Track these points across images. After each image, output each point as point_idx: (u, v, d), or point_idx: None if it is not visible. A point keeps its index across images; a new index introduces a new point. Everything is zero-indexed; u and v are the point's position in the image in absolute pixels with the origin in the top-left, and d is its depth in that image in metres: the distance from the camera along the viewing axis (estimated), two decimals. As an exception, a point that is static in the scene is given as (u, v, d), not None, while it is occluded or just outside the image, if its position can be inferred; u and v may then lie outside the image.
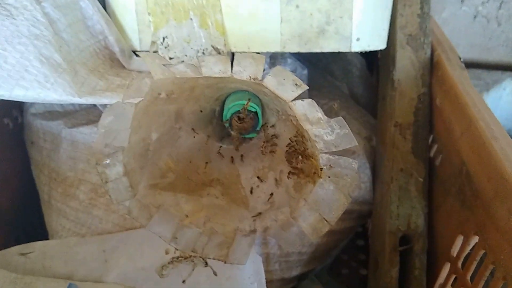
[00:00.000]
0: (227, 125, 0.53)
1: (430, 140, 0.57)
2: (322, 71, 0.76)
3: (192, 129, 0.54)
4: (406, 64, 0.59)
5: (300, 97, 0.40)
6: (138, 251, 0.51)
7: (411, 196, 0.55)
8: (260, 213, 0.50)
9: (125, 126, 0.42)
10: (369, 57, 0.83)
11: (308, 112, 0.40)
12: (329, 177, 0.43)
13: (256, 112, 0.52)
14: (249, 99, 0.50)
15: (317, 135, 0.41)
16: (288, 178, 0.50)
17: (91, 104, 0.58)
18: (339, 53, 0.68)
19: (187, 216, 0.48)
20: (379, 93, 0.66)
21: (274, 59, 0.65)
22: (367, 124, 0.67)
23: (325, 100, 0.68)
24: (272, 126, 0.53)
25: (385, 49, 0.58)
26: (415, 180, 0.56)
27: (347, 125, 0.40)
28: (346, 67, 0.79)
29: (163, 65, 0.41)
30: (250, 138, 0.56)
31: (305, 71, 0.67)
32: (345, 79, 0.78)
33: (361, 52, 0.56)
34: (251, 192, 0.53)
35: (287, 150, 0.51)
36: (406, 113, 0.58)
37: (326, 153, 0.42)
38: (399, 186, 0.56)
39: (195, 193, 0.50)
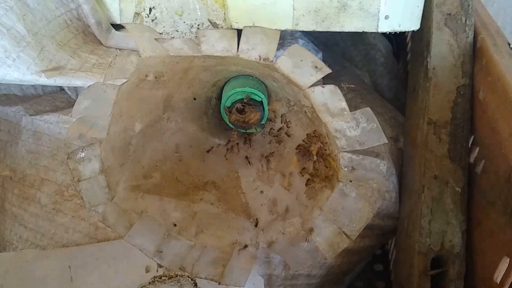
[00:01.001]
0: (226, 117, 0.54)
1: (470, 142, 0.57)
2: (340, 57, 0.77)
3: (183, 120, 0.54)
4: (443, 49, 0.58)
5: (318, 83, 0.41)
6: (112, 268, 0.50)
7: (446, 209, 0.55)
8: (263, 225, 0.51)
9: (104, 113, 0.42)
10: (396, 40, 0.83)
11: (329, 101, 0.40)
12: (350, 181, 0.44)
13: (261, 102, 0.52)
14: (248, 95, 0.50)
15: (339, 129, 0.41)
16: (299, 181, 0.51)
17: (57, 88, 0.59)
18: (361, 34, 0.69)
19: (175, 225, 0.48)
20: (409, 84, 0.66)
21: (282, 39, 0.65)
22: (394, 121, 0.67)
23: (342, 91, 0.67)
24: (281, 119, 0.54)
25: (418, 30, 0.57)
26: (451, 189, 0.56)
27: (375, 118, 0.41)
28: (368, 52, 0.79)
29: (155, 39, 0.41)
30: (254, 134, 0.56)
31: (320, 55, 0.67)
32: (367, 67, 0.78)
33: (388, 35, 0.56)
34: (254, 198, 0.54)
35: (299, 148, 0.52)
36: (442, 108, 0.58)
37: (348, 152, 0.43)
38: (432, 197, 0.56)
39: (186, 198, 0.50)
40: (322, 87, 0.40)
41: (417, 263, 0.55)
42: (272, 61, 0.40)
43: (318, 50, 0.68)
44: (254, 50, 0.40)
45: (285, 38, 0.66)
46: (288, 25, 0.52)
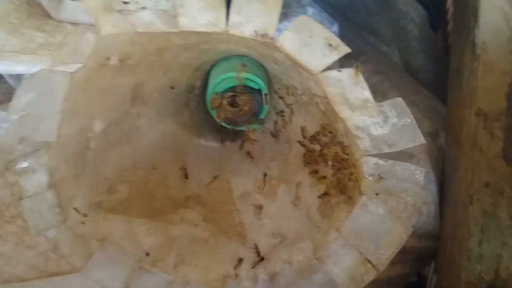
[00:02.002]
0: (213, 110, 0.53)
1: None
2: (361, 29, 0.76)
3: (158, 116, 0.54)
4: (495, 18, 0.59)
5: (334, 66, 0.40)
6: (67, 310, 0.51)
7: (502, 225, 0.55)
8: (264, 252, 0.50)
9: (52, 109, 0.42)
10: (434, 6, 0.82)
11: (348, 89, 0.40)
12: (377, 194, 0.44)
13: (259, 91, 0.52)
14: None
15: (361, 126, 0.41)
16: (310, 194, 0.51)
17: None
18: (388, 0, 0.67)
19: (148, 254, 0.48)
20: (451, 64, 0.66)
21: (285, 7, 0.64)
22: (432, 112, 0.67)
23: (365, 75, 0.63)
24: (286, 113, 0.53)
25: (462, -6, 0.57)
26: (508, 201, 0.55)
27: (409, 111, 0.40)
28: (398, 23, 0.79)
29: (117, 11, 0.41)
30: (250, 132, 0.56)
31: (335, 28, 0.66)
32: (397, 42, 0.77)
33: (422, 1, 0.55)
34: (251, 216, 0.53)
35: (308, 151, 0.51)
36: (494, 95, 0.58)
37: (373, 155, 0.42)
38: (483, 211, 0.55)
39: (162, 218, 0.51)
40: (339, 71, 0.40)
41: (465, 296, 0.55)
42: (272, 38, 0.40)
43: (333, 21, 0.67)
44: (248, 23, 0.40)
45: (291, 6, 0.65)
46: (292, -13, 0.52)
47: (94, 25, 0.43)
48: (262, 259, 0.50)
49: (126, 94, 0.50)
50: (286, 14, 0.63)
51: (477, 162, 0.57)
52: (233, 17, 0.40)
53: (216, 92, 0.52)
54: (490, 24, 0.59)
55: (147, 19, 0.41)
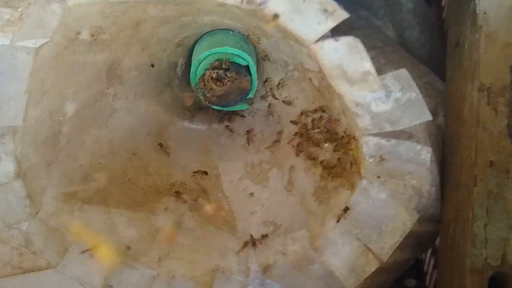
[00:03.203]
0: (198, 90, 0.50)
1: None
2: (353, 3, 0.73)
3: (137, 96, 0.52)
4: None
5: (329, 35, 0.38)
6: (41, 309, 0.50)
7: (508, 207, 0.53)
8: (256, 241, 0.48)
9: (16, 90, 0.41)
10: None
11: (346, 61, 0.38)
12: (379, 177, 0.42)
13: (247, 68, 0.49)
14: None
15: (360, 103, 0.39)
16: (305, 179, 0.49)
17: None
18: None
19: (129, 248, 0.47)
20: (450, 36, 0.64)
21: None
22: (430, 88, 0.64)
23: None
24: (276, 90, 0.51)
25: (460, -41, 0.56)
26: None
27: (414, 84, 0.39)
28: None
29: None
30: (238, 113, 0.54)
31: None
32: (391, 15, 0.75)
33: None
34: (241, 203, 0.51)
35: (302, 132, 0.50)
36: (498, 68, 0.55)
37: (374, 135, 0.41)
38: (488, 192, 0.53)
39: (143, 209, 0.49)
40: (336, 40, 0.37)
41: (469, 283, 0.53)
42: (260, 4, 0.37)
43: None
44: None
45: None
46: None
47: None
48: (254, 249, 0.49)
49: (100, 72, 0.48)
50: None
51: (481, 141, 0.55)
52: None
53: (201, 71, 0.50)
54: None
55: None
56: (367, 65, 0.37)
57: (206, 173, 0.54)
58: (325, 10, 0.36)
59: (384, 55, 0.64)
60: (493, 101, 0.55)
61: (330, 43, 0.37)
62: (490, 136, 0.54)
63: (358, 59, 0.37)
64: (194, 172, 0.53)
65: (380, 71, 0.64)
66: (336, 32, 0.43)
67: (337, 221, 0.44)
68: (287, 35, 0.39)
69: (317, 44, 0.37)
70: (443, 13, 0.76)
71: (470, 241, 0.52)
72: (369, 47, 0.64)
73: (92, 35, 0.44)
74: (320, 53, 0.38)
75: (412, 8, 0.76)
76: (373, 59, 0.63)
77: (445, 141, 0.61)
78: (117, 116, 0.51)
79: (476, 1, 0.56)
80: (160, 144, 0.53)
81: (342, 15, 0.36)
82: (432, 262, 0.70)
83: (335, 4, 0.36)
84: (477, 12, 0.56)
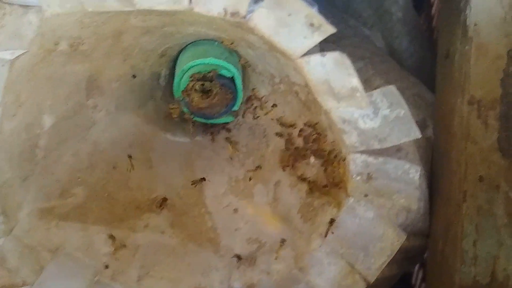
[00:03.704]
0: (182, 101, 0.50)
1: None
2: (342, 11, 0.74)
3: (118, 108, 0.51)
4: None
5: (315, 49, 0.37)
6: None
7: (498, 224, 0.53)
8: (240, 259, 0.48)
9: None
10: None
11: (332, 76, 0.37)
12: (366, 195, 0.41)
13: (232, 79, 0.49)
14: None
15: (348, 119, 0.39)
16: (291, 195, 0.48)
17: None
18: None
19: (107, 266, 0.46)
20: (440, 47, 0.63)
21: None
22: (418, 100, 0.64)
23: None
24: (262, 103, 0.51)
25: (450, -30, 0.56)
26: (504, 196, 0.53)
27: (403, 101, 0.38)
28: (381, 5, 0.76)
29: None
30: (223, 125, 0.54)
31: (315, 9, 0.61)
32: (380, 25, 0.75)
33: None
34: (225, 220, 0.51)
35: (287, 147, 0.49)
36: (488, 81, 0.55)
37: (362, 152, 0.40)
38: (478, 208, 0.53)
39: (123, 225, 0.49)
40: (322, 55, 0.37)
41: (458, 301, 0.54)
42: (244, 17, 0.37)
43: (312, 3, 0.62)
44: (215, 0, 0.37)
45: None
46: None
47: (37, 5, 0.39)
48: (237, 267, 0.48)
49: (80, 83, 0.48)
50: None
51: (470, 155, 0.54)
52: None
53: (185, 82, 0.50)
54: (483, 4, 0.56)
55: None
56: (355, 81, 0.37)
57: (204, 179, 0.53)
58: (311, 25, 0.36)
59: (373, 66, 0.64)
60: (484, 115, 0.54)
61: (316, 58, 0.37)
62: (480, 151, 0.54)
63: (345, 75, 0.37)
64: (192, 182, 0.53)
65: (368, 82, 0.65)
66: (325, 41, 0.42)
67: (325, 236, 0.43)
68: (273, 48, 0.39)
69: (303, 59, 0.37)
70: (433, 22, 0.76)
71: (459, 257, 0.52)
72: (357, 58, 0.65)
73: (71, 45, 0.44)
74: (306, 68, 0.37)
75: (401, 17, 0.76)
76: (361, 69, 0.65)
77: (435, 154, 0.61)
78: (97, 128, 0.50)
79: (466, 12, 0.56)
80: (130, 156, 0.52)
81: (328, 29, 0.36)
82: (420, 275, 0.70)
83: (322, 19, 0.36)
84: (467, 23, 0.56)
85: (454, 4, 0.59)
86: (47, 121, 0.46)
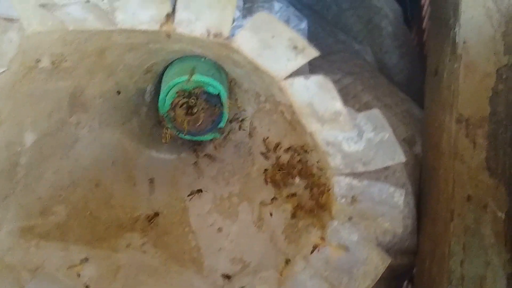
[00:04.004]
0: (167, 118, 0.50)
1: None
2: (332, 26, 0.73)
3: (102, 125, 0.51)
4: (478, 14, 0.56)
5: (301, 71, 0.37)
6: None
7: (486, 244, 0.53)
8: (223, 281, 0.48)
9: None
10: (410, 2, 0.80)
11: (316, 99, 0.36)
12: (350, 218, 0.41)
13: (218, 96, 0.49)
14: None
15: (332, 142, 0.38)
16: (275, 215, 0.48)
17: None
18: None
19: (87, 287, 0.45)
20: (429, 65, 0.63)
21: (250, 2, 0.61)
22: (407, 116, 0.64)
23: (336, 76, 0.65)
24: (247, 121, 0.51)
25: (441, -13, 0.56)
26: (491, 216, 0.53)
27: (387, 124, 0.37)
28: (371, 19, 0.76)
29: (40, 6, 0.37)
30: (209, 142, 0.54)
31: (304, 25, 0.63)
32: (370, 40, 0.75)
33: None
34: (209, 239, 0.50)
35: (272, 166, 0.49)
36: (477, 100, 0.55)
37: (346, 175, 0.40)
38: (465, 227, 0.53)
39: (104, 245, 0.48)
40: (306, 78, 0.36)
41: (445, 322, 0.53)
42: (228, 38, 0.37)
43: (301, 18, 0.64)
44: (198, 21, 0.36)
45: (255, 1, 0.62)
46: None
47: (17, 22, 0.39)
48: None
49: (62, 100, 0.47)
50: (250, 9, 0.60)
51: (458, 174, 0.54)
52: (181, 13, 0.37)
53: (170, 98, 0.50)
54: (472, 22, 0.57)
55: (77, 15, 0.37)
56: (338, 105, 0.36)
57: (200, 190, 0.53)
58: (295, 47, 0.35)
59: (362, 81, 0.64)
60: (472, 133, 0.55)
61: (300, 80, 0.36)
62: (468, 169, 0.54)
63: (328, 98, 0.36)
64: (189, 195, 0.53)
65: (357, 97, 0.65)
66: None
67: (311, 253, 0.43)
68: (257, 68, 0.38)
69: (287, 81, 0.37)
70: (424, 36, 0.77)
71: (446, 277, 0.52)
72: (346, 73, 0.65)
73: (53, 63, 0.43)
74: (290, 90, 0.37)
75: (391, 32, 0.76)
76: (350, 85, 0.65)
77: (423, 171, 0.61)
78: (80, 145, 0.49)
79: (456, 30, 0.56)
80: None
81: (312, 53, 0.35)
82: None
83: (305, 42, 0.35)
84: (457, 40, 0.56)
85: (443, 21, 0.59)
86: (29, 138, 0.45)
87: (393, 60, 0.76)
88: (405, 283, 0.70)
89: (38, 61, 0.42)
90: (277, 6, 0.61)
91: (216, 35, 0.36)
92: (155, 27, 0.37)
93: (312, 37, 0.65)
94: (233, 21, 0.37)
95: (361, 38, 0.75)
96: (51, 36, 0.40)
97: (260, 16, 0.35)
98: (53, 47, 0.42)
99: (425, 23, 0.76)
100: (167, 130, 0.50)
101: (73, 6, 0.36)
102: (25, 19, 0.38)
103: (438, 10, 0.62)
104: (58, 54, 0.43)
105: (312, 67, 0.58)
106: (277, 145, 0.48)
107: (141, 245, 0.49)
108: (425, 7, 0.75)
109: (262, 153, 0.50)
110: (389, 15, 0.77)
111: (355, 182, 0.40)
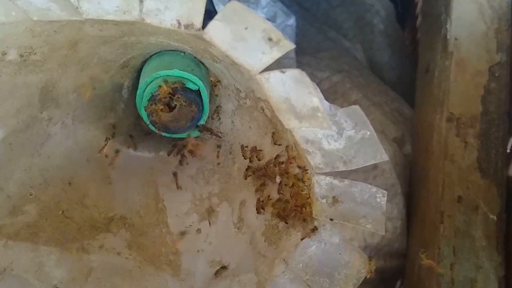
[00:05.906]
0: (145, 115, 0.49)
1: (509, 147, 0.56)
2: (322, 23, 0.73)
3: (75, 121, 0.50)
4: (469, 11, 0.56)
5: (279, 65, 0.35)
6: None
7: (476, 246, 0.53)
8: (201, 284, 0.47)
9: None
10: (402, 1, 0.79)
11: (293, 95, 0.35)
12: (331, 219, 0.40)
13: (198, 92, 0.48)
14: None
15: (311, 139, 0.37)
16: (256, 216, 0.47)
17: None
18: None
19: None
20: (420, 62, 0.64)
21: None
22: (397, 115, 0.64)
23: (325, 73, 0.64)
24: (228, 119, 0.50)
25: (432, -17, 0.56)
26: (483, 217, 0.53)
27: (368, 122, 0.36)
28: (362, 16, 0.76)
29: None
30: (188, 140, 0.52)
31: (292, 21, 0.62)
32: (360, 37, 0.75)
33: None
34: (187, 241, 0.50)
35: (252, 165, 0.48)
36: (468, 98, 0.55)
37: (326, 174, 0.39)
38: (455, 229, 0.53)
39: (77, 246, 0.47)
40: (282, 72, 0.35)
41: (434, 326, 0.54)
42: (199, 30, 0.36)
43: (289, 14, 0.64)
44: (168, 10, 0.35)
45: None
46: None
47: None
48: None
49: (33, 95, 0.46)
50: (233, 2, 0.60)
51: (449, 174, 0.55)
52: (149, 2, 0.35)
53: (148, 94, 0.48)
54: (464, 18, 0.57)
55: (40, 4, 0.36)
56: (315, 100, 0.35)
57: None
58: (270, 39, 0.33)
59: (351, 79, 0.65)
60: (463, 133, 0.55)
61: (276, 75, 0.35)
62: (459, 170, 0.54)
63: (305, 93, 0.35)
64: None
65: (346, 95, 0.64)
66: (302, 53, 0.40)
67: (301, 239, 0.42)
68: (234, 63, 0.37)
69: (263, 75, 0.35)
70: (418, 35, 0.76)
71: (435, 281, 0.52)
72: (335, 70, 0.65)
73: (21, 55, 0.42)
74: (266, 85, 0.36)
75: (383, 29, 0.76)
76: (339, 82, 0.65)
77: (412, 172, 0.61)
78: (52, 142, 0.48)
79: (447, 26, 0.57)
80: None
81: (287, 45, 0.34)
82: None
83: (280, 34, 0.34)
84: (448, 37, 0.56)
85: (434, 17, 0.60)
86: (-3, 134, 0.44)
87: (384, 58, 0.76)
88: (398, 283, 0.71)
89: (4, 53, 0.41)
90: (264, 1, 0.61)
91: (187, 26, 0.35)
92: (122, 17, 0.35)
93: (301, 34, 0.65)
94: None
95: (351, 36, 0.76)
96: (17, 27, 0.39)
97: (231, 6, 0.33)
98: (21, 39, 0.41)
99: (418, 22, 0.75)
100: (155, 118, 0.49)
101: (38, -6, 0.35)
102: (-13, 10, 0.37)
103: (430, 5, 0.62)
104: (26, 47, 0.42)
105: (300, 65, 0.57)
106: (259, 143, 0.47)
107: (115, 246, 0.48)
108: (419, 5, 0.74)
109: (243, 151, 0.49)
110: (380, 12, 0.77)
111: (336, 181, 0.39)
